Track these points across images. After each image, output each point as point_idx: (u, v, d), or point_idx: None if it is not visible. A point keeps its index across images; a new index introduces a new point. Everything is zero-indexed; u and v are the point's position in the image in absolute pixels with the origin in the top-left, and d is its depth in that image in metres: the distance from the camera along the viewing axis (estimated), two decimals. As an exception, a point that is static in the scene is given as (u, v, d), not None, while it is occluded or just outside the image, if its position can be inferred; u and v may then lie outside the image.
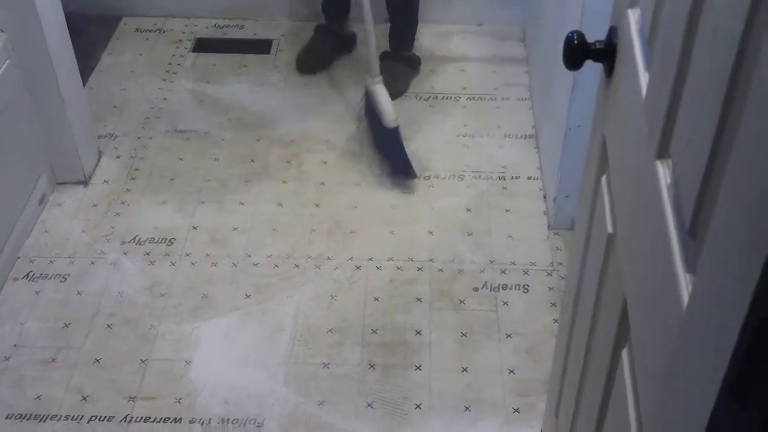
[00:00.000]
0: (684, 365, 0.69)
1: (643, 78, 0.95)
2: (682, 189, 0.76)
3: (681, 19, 0.80)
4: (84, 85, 2.50)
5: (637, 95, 0.95)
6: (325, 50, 2.85)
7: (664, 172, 0.83)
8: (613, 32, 1.10)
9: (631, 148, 0.99)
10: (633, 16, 1.03)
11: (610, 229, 1.06)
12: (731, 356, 0.56)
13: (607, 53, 1.10)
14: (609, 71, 1.12)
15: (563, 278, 2.03)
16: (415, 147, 2.52)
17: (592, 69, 1.23)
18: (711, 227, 0.65)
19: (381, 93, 2.46)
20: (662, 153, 0.85)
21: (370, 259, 2.18)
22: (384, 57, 2.77)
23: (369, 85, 2.49)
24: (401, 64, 2.77)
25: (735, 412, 0.58)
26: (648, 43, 0.96)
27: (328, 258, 2.18)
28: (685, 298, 0.71)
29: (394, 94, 2.72)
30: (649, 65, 0.94)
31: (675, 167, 0.81)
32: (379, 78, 2.46)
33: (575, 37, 1.10)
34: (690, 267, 0.73)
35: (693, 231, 0.72)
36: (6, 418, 1.82)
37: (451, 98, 2.74)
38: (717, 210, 0.64)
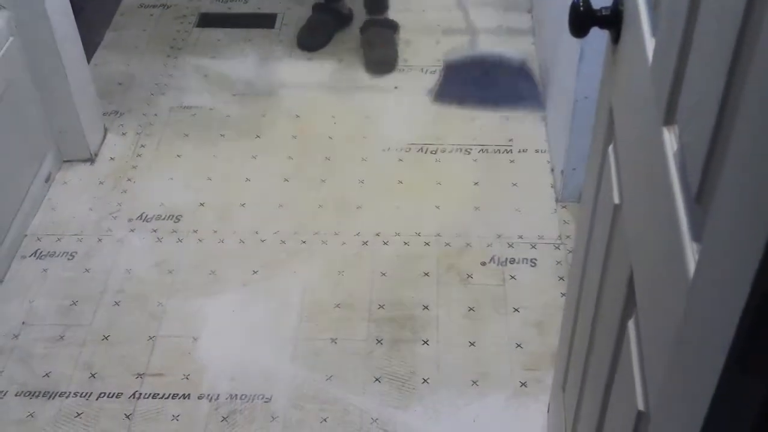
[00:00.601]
0: (690, 334, 0.68)
1: (650, 44, 0.93)
2: (689, 156, 0.75)
3: (687, -18, 0.78)
4: (88, 62, 2.49)
5: (643, 62, 0.94)
6: (324, 27, 2.83)
7: (670, 139, 0.82)
8: (619, -2, 1.08)
9: (637, 115, 0.97)
10: (639, -19, 1.01)
11: (616, 200, 1.05)
12: (738, 325, 0.55)
13: (613, 20, 1.08)
14: (615, 38, 1.10)
15: (571, 252, 2.01)
16: (420, 123, 2.50)
17: (600, 41, 1.21)
18: (717, 194, 0.64)
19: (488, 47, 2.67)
20: (669, 120, 0.83)
21: (377, 234, 2.17)
22: (366, 25, 2.76)
23: (469, 47, 2.67)
24: (386, 29, 2.76)
25: (741, 380, 0.57)
26: (654, 8, 0.94)
27: (335, 233, 2.18)
28: (692, 266, 0.70)
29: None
30: (655, 31, 0.93)
31: (681, 134, 0.79)
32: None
33: (581, 4, 1.08)
34: (696, 235, 0.71)
35: (699, 198, 0.71)
36: (16, 395, 1.83)
37: (457, 71, 2.71)
38: (723, 176, 0.63)
